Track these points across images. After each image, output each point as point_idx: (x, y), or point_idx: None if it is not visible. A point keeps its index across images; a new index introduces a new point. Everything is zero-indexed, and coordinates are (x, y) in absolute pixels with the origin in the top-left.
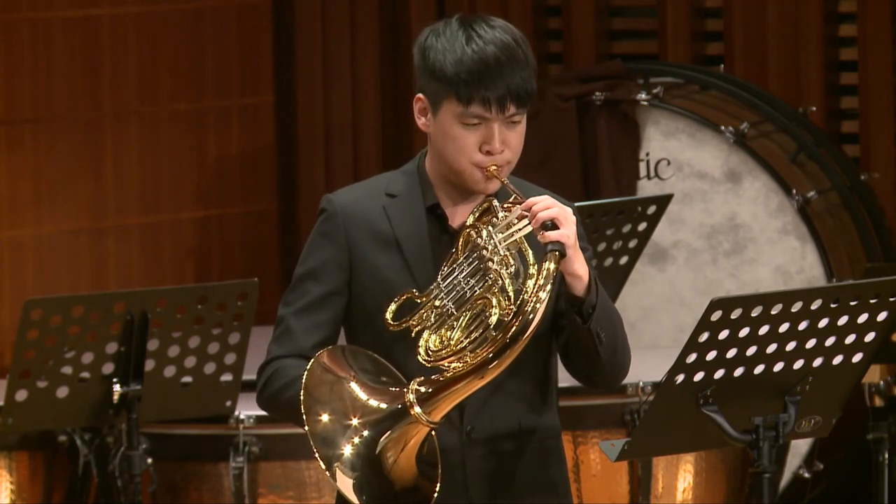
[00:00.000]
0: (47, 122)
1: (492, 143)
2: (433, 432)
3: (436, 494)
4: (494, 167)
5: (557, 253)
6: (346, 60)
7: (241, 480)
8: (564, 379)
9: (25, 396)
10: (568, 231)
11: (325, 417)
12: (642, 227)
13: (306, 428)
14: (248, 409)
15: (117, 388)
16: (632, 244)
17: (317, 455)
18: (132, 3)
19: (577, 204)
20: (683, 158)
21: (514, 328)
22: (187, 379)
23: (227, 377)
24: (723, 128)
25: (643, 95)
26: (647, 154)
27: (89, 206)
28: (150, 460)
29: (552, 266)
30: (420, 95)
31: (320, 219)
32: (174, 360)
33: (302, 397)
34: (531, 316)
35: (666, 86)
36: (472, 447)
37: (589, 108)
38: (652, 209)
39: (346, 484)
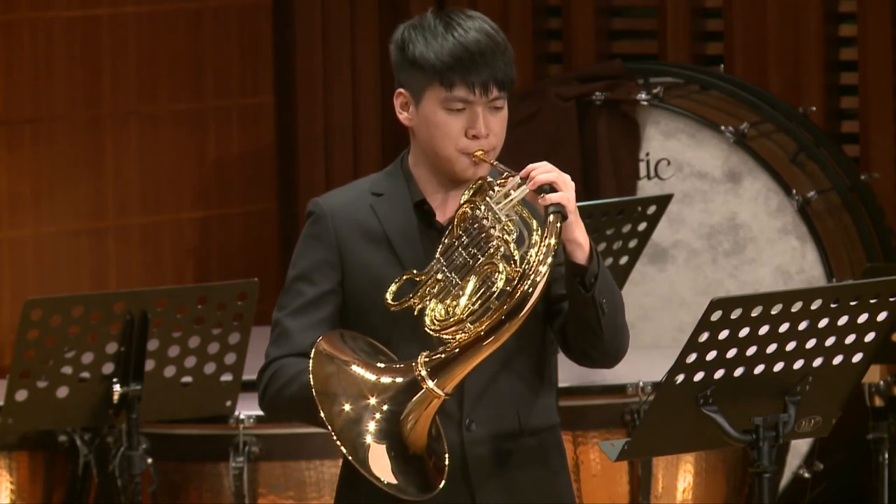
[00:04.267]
0: (47, 122)
1: (476, 127)
2: (436, 417)
3: (442, 484)
4: (481, 151)
5: (560, 214)
6: (346, 60)
7: (241, 480)
8: (564, 379)
9: (25, 396)
10: (568, 194)
11: (346, 406)
12: (642, 227)
13: (325, 420)
14: (248, 409)
15: (117, 388)
16: (632, 244)
17: (341, 444)
18: (132, 3)
19: (577, 204)
20: (683, 158)
21: (513, 300)
22: (187, 379)
23: (227, 377)
24: (723, 128)
25: (643, 95)
26: (647, 154)
27: (89, 206)
28: (150, 460)
29: (552, 241)
30: (400, 90)
31: (308, 221)
32: (174, 360)
33: (315, 395)
34: (530, 290)
35: (666, 86)
36: (472, 441)
37: (589, 108)
38: (652, 209)
39: (378, 457)
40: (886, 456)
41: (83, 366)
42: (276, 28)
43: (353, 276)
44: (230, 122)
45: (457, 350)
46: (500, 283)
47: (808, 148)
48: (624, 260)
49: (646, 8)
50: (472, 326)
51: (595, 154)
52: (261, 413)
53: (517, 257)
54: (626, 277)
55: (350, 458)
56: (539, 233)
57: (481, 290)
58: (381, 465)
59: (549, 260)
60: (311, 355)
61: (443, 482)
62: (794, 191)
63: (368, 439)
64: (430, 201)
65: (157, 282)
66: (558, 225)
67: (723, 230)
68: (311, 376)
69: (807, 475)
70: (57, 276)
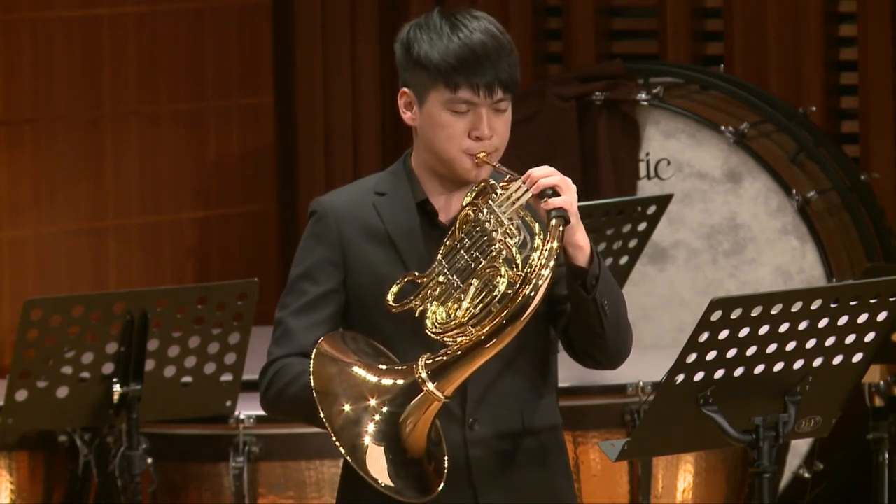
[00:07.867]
0: (47, 122)
1: (480, 129)
2: (437, 420)
3: (441, 487)
4: (484, 153)
5: (562, 219)
6: (346, 60)
7: (241, 480)
8: (564, 379)
9: (25, 396)
10: (570, 198)
11: (346, 407)
12: (642, 227)
13: (325, 420)
14: (248, 409)
15: (117, 388)
16: (632, 244)
17: (339, 444)
18: (132, 3)
19: (577, 205)
20: (683, 158)
21: (515, 304)
22: (187, 379)
23: (227, 377)
24: (723, 128)
25: (643, 95)
26: (647, 154)
27: (89, 206)
28: (150, 460)
29: (555, 245)
30: (405, 90)
31: (311, 220)
32: (174, 360)
33: (315, 395)
34: (532, 294)
35: (666, 86)
36: (475, 440)
37: (589, 108)
38: (652, 209)
39: (376, 459)
40: (886, 456)
41: (83, 366)
42: (276, 28)
43: (356, 274)
44: (230, 122)
45: (458, 353)
46: (502, 287)
47: (808, 148)
48: (624, 260)
49: (646, 8)
50: (473, 330)
51: (595, 154)
52: (261, 413)
53: (519, 261)
54: (626, 277)
55: (348, 458)
56: (541, 236)
57: (483, 294)
58: (378, 466)
59: (552, 264)
60: (312, 356)
61: (441, 485)
62: (794, 191)
63: (367, 440)
64: (433, 201)
65: (157, 282)
66: (561, 229)
67: (723, 230)
68: (311, 376)
69: (807, 475)
70: (57, 276)
